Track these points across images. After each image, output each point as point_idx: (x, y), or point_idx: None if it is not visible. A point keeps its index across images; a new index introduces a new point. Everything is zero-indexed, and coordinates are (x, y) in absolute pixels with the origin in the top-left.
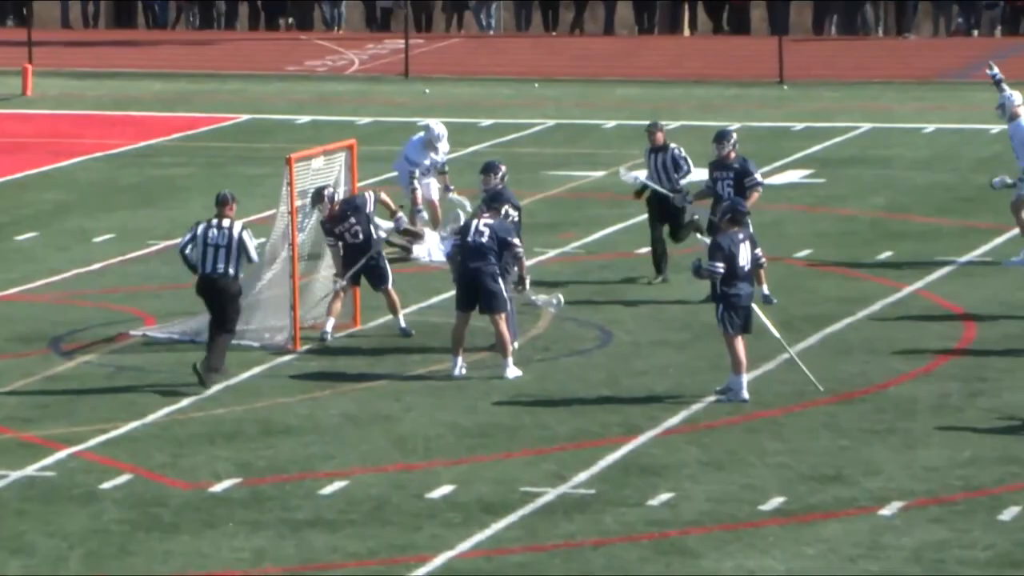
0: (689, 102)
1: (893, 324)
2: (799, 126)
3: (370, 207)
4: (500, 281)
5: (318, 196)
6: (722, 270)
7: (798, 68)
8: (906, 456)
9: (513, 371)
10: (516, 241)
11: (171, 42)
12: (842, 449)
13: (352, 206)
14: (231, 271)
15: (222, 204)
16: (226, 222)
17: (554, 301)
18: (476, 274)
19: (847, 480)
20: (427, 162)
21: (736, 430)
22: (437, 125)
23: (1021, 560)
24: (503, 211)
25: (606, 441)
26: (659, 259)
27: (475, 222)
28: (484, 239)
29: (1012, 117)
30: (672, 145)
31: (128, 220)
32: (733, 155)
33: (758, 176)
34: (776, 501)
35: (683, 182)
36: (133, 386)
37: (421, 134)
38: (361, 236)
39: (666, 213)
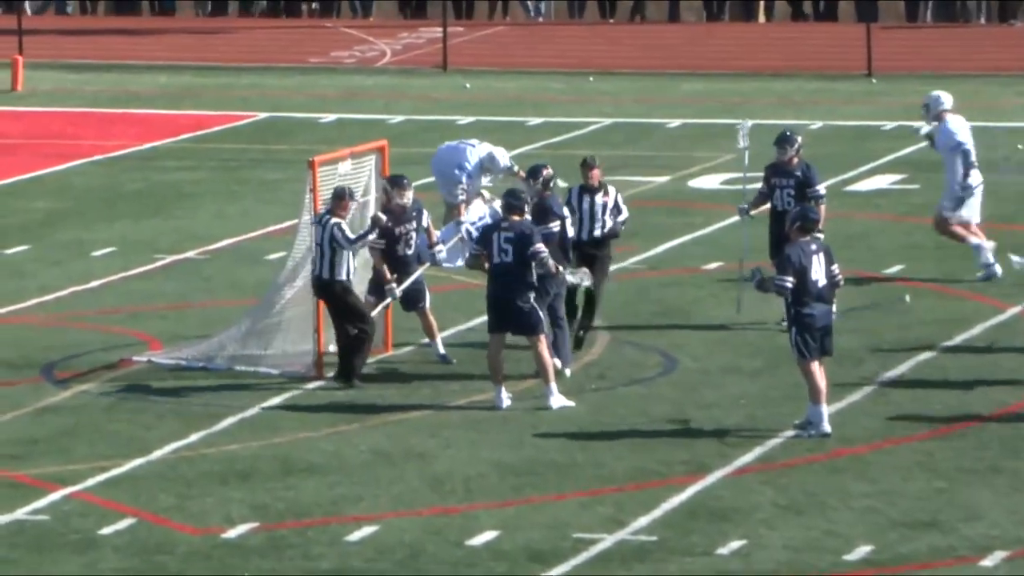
0: (766, 98)
1: (997, 349)
2: (889, 125)
3: (426, 221)
4: (532, 300)
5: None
6: (791, 285)
7: (889, 59)
8: (1011, 499)
9: (559, 400)
10: (538, 247)
11: (178, 31)
12: (938, 491)
13: (418, 208)
14: (326, 272)
15: (338, 199)
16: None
17: (581, 275)
18: (504, 294)
19: (943, 527)
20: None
21: (817, 469)
22: (504, 157)
23: None
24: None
25: (669, 481)
26: None
27: (496, 237)
28: (509, 258)
29: (937, 118)
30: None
31: (130, 231)
32: (796, 161)
33: (821, 188)
34: (863, 551)
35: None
36: (136, 419)
37: (474, 144)
38: (412, 247)
39: None
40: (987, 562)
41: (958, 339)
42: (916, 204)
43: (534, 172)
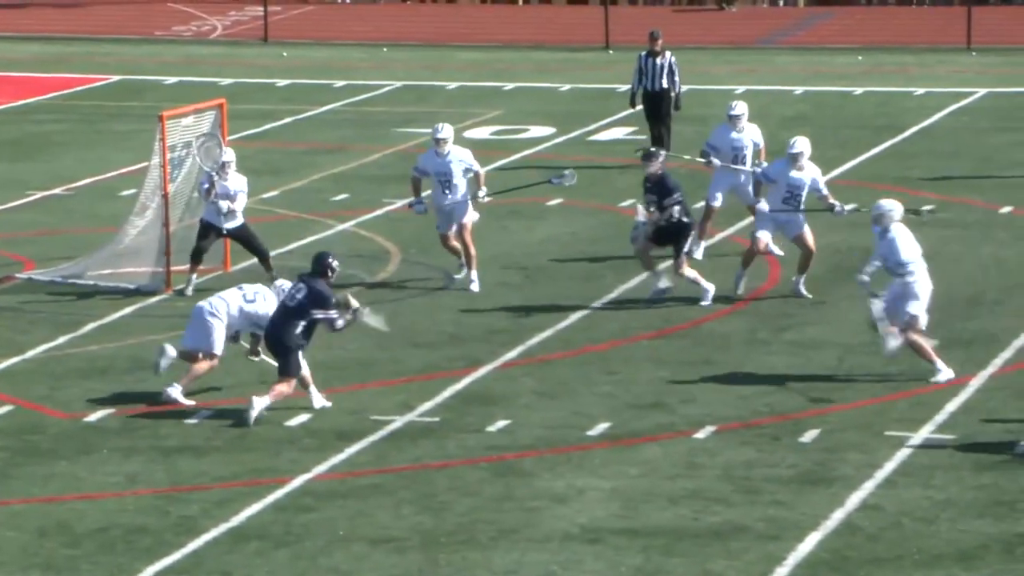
0: (524, 64)
1: (709, 265)
2: (622, 88)
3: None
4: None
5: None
6: None
7: (625, 35)
8: (720, 385)
9: (319, 400)
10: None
11: (47, 4)
12: (663, 379)
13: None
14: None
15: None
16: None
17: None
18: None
19: (667, 407)
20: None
21: (568, 362)
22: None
23: (820, 478)
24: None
25: (450, 373)
26: None
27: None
28: (294, 303)
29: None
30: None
31: (6, 172)
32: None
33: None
34: (603, 427)
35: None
36: (14, 325)
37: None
38: None
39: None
40: (700, 435)
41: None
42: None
43: (652, 154)
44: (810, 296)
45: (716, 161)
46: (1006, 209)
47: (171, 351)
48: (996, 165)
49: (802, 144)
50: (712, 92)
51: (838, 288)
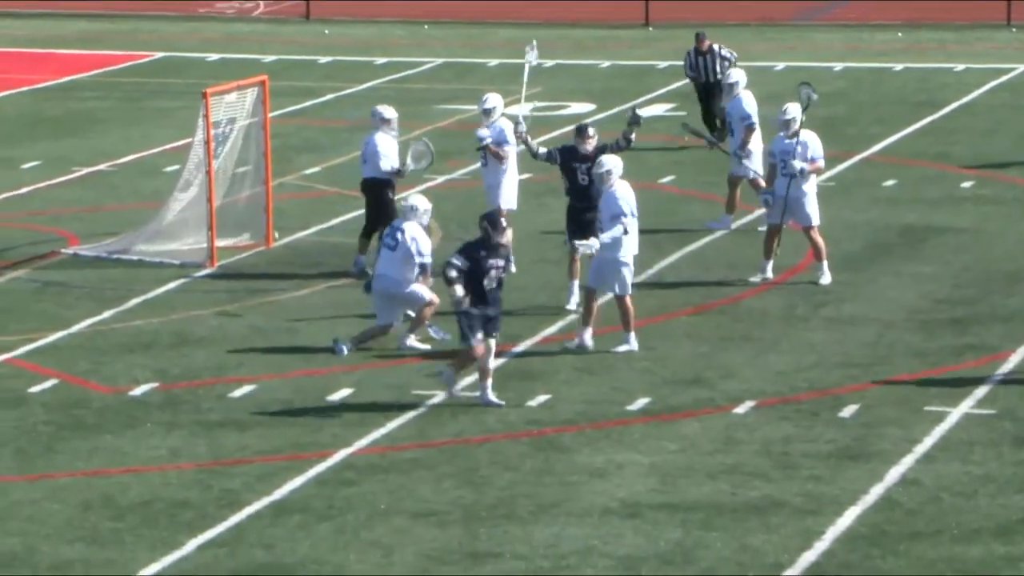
0: (564, 42)
1: (749, 240)
2: (662, 64)
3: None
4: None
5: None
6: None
7: (664, 12)
8: (758, 360)
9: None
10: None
11: None
12: (702, 355)
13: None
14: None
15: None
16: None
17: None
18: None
19: (705, 383)
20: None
21: (606, 338)
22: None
23: (858, 453)
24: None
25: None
26: None
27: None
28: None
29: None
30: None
31: (52, 149)
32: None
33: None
34: (641, 402)
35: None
36: (59, 300)
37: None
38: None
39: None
40: (739, 410)
41: (719, 233)
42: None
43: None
44: (824, 283)
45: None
46: None
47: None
48: None
49: (793, 110)
50: (752, 69)
51: (876, 265)
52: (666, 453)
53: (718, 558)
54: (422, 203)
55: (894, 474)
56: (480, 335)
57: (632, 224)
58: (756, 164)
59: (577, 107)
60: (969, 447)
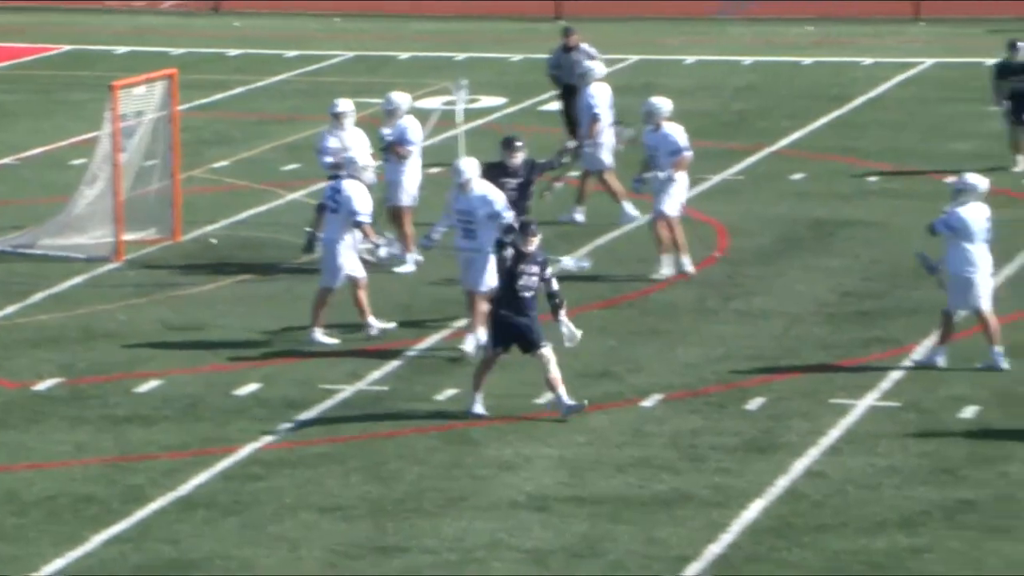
0: (481, 36)
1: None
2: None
3: None
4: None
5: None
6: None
7: (581, 8)
8: (666, 354)
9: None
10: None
11: None
12: (611, 349)
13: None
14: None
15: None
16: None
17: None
18: None
19: (614, 376)
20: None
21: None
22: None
23: (765, 445)
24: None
25: (396, 344)
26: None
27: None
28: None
29: (656, 126)
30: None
31: None
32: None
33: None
34: (550, 395)
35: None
36: None
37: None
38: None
39: None
40: (647, 403)
41: (615, 233)
42: None
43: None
44: (655, 277)
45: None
46: (953, 179)
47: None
48: (945, 135)
49: (656, 102)
50: (665, 62)
51: (785, 258)
52: (575, 446)
53: (625, 551)
54: (363, 158)
55: (800, 466)
56: (499, 348)
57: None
58: (606, 156)
59: (489, 100)
60: (874, 439)
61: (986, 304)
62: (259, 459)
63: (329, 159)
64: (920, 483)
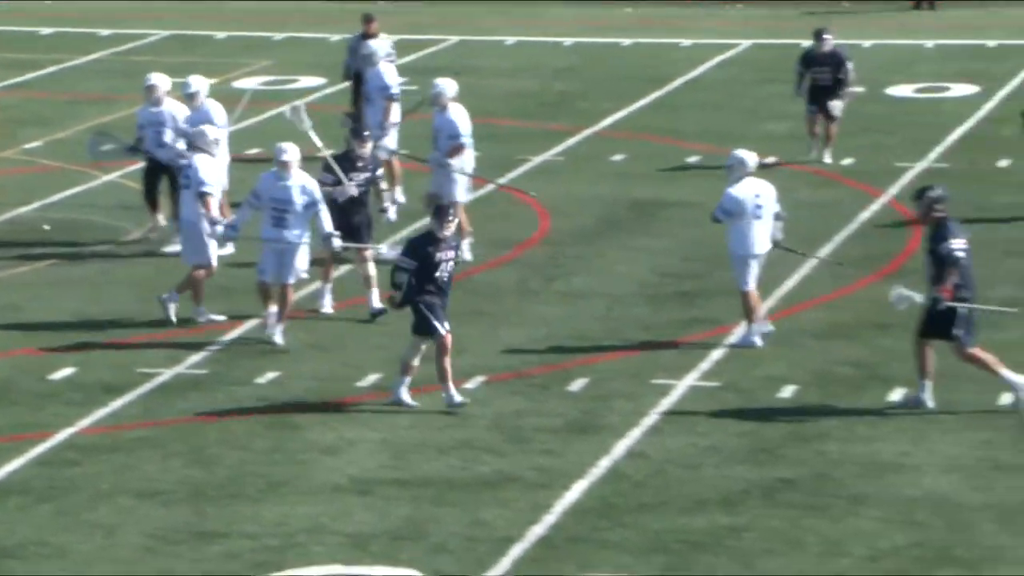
0: (303, 14)
1: (480, 215)
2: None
3: None
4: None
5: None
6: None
7: None
8: (490, 336)
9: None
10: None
11: None
12: None
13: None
14: None
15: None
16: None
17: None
18: None
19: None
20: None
21: (338, 316)
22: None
23: (588, 426)
24: None
25: (215, 328)
26: None
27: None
28: None
29: (442, 108)
30: None
31: None
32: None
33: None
34: (373, 378)
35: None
36: None
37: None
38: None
39: None
40: (471, 385)
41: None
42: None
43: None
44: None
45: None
46: (769, 160)
47: None
48: (761, 116)
49: (441, 84)
50: (485, 43)
51: (606, 239)
52: (398, 429)
53: (449, 533)
54: (212, 131)
55: (622, 447)
56: (447, 324)
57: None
58: (390, 141)
59: (307, 80)
60: (695, 419)
61: (753, 284)
62: (75, 444)
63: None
64: (739, 462)
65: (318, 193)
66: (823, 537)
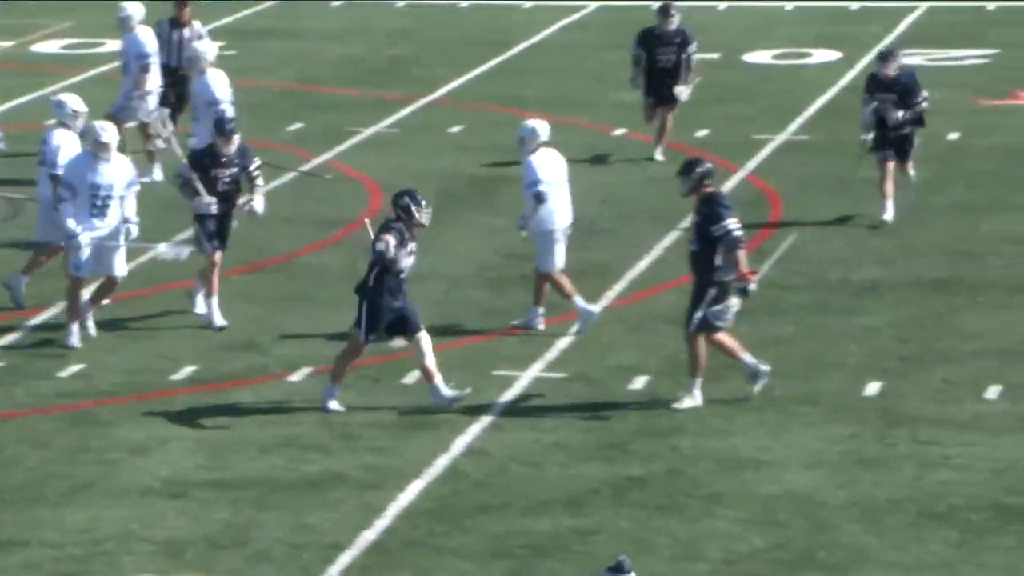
0: None
1: (304, 193)
2: None
3: None
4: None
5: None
6: None
7: None
8: (318, 323)
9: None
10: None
11: None
12: (255, 318)
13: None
14: None
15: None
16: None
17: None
18: None
19: (259, 347)
20: None
21: (150, 301)
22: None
23: (423, 422)
24: None
25: (18, 315)
26: None
27: None
28: None
29: (200, 72)
30: None
31: None
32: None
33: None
34: (188, 370)
35: None
36: None
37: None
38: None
39: None
40: (296, 377)
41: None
42: (236, 68)
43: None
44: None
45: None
46: (619, 131)
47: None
48: (611, 83)
49: (202, 46)
50: (309, 4)
51: (444, 216)
52: (215, 426)
53: (271, 539)
54: (72, 101)
55: (460, 443)
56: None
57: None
58: (150, 104)
59: (114, 44)
60: (539, 413)
61: (561, 263)
62: None
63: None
64: (587, 459)
65: (135, 176)
66: (676, 539)
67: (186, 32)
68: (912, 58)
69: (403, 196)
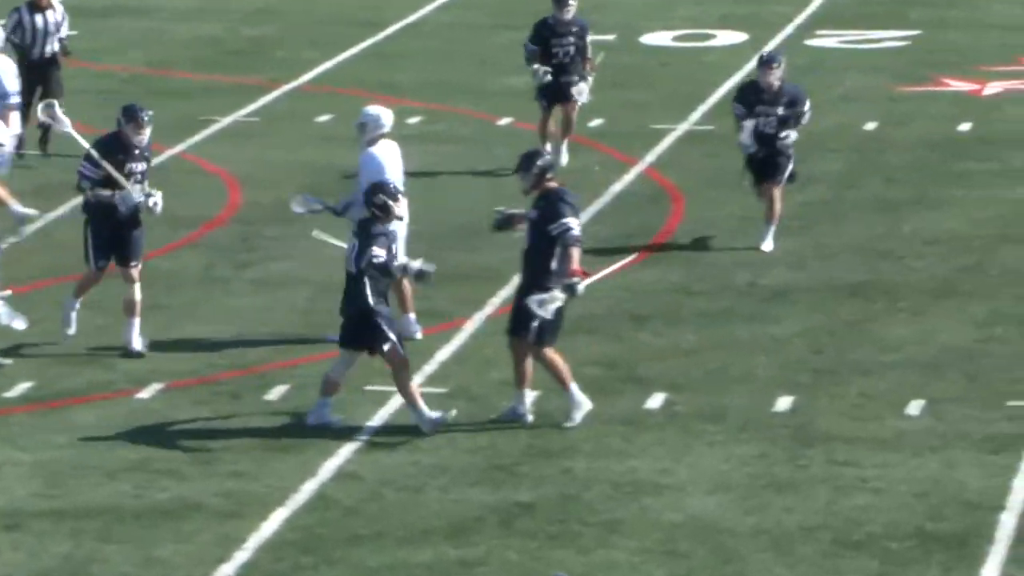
0: None
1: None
2: None
3: None
4: None
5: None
6: None
7: None
8: (169, 334)
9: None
10: None
11: None
12: (99, 328)
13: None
14: None
15: None
16: None
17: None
18: None
19: (103, 362)
20: None
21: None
22: None
23: (289, 444)
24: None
25: None
26: None
27: None
28: None
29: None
30: None
31: None
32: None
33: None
34: (23, 387)
35: None
36: None
37: None
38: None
39: None
40: (144, 394)
41: None
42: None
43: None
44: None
45: None
46: (505, 120)
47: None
48: (497, 68)
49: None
50: None
51: (309, 216)
52: (53, 449)
53: (117, 574)
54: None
55: (330, 467)
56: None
57: None
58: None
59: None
60: (417, 432)
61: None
62: None
63: None
64: (471, 484)
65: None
66: (569, 571)
67: (48, 16)
68: (825, 39)
69: (377, 194)
